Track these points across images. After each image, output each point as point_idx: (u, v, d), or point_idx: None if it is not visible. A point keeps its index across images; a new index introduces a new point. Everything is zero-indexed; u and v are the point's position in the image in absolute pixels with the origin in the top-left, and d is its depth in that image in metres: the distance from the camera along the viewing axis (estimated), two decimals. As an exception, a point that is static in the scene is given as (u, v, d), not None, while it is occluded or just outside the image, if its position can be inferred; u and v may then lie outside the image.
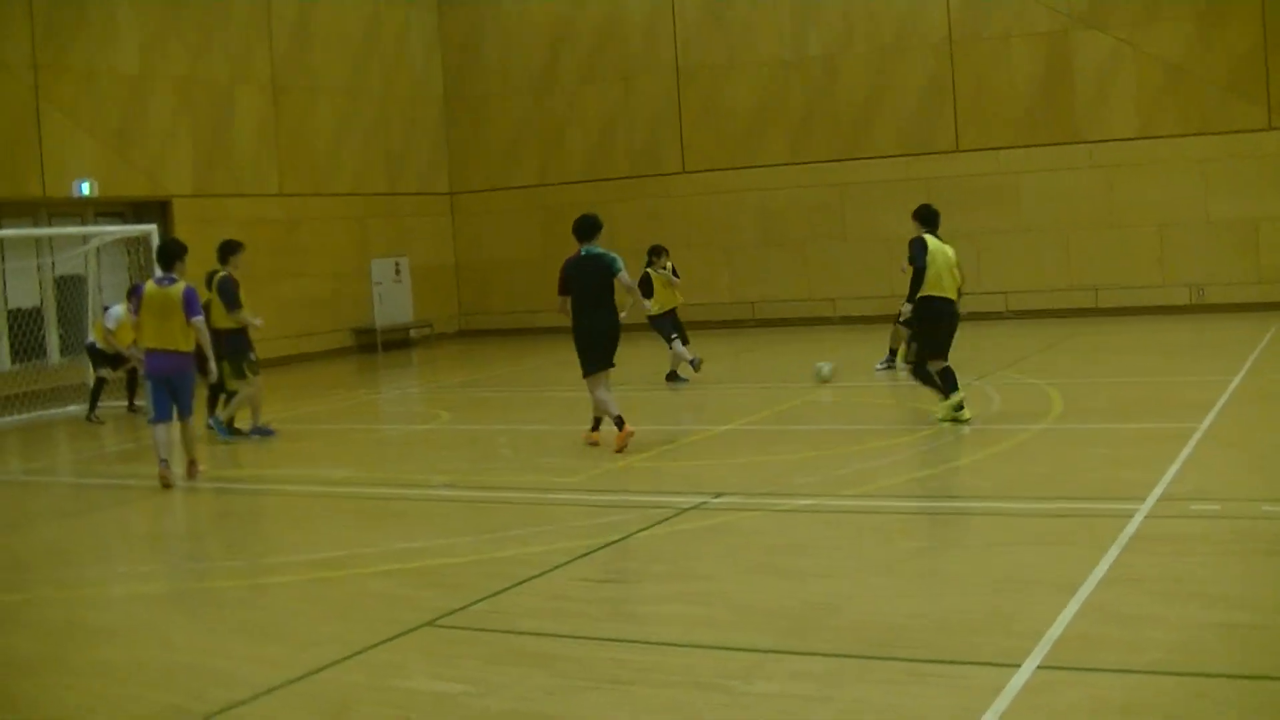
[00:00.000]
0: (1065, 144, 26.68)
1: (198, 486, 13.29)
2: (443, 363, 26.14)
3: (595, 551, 9.27)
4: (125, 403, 20.24)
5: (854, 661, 6.66)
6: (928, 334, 14.18)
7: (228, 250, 16.03)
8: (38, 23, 23.16)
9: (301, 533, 11.20)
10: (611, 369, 13.91)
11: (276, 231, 26.14)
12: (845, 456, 12.68)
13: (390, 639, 7.41)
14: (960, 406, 13.93)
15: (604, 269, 13.59)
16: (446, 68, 32.40)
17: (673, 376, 19.52)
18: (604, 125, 30.79)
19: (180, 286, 13.24)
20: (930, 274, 13.89)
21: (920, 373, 14.34)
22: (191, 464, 13.46)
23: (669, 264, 19.80)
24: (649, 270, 19.67)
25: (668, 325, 19.39)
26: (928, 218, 14.30)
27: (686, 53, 29.81)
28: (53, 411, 19.98)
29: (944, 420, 13.92)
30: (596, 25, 30.75)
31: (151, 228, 21.78)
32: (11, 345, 23.70)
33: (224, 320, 15.57)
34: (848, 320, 27.92)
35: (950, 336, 14.15)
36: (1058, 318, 26.08)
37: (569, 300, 13.64)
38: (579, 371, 13.81)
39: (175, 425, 13.38)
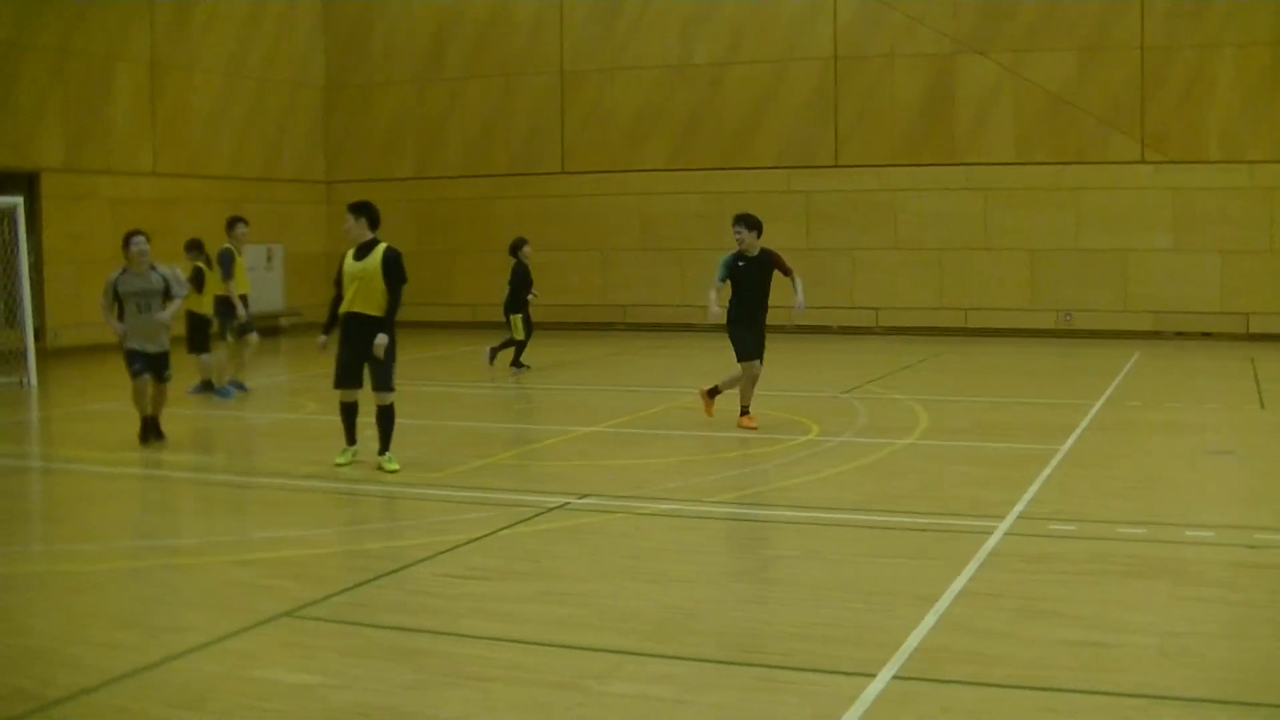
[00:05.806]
0: (944, 165, 27.15)
1: (62, 469, 13.06)
2: (310, 351, 25.70)
3: (458, 548, 9.23)
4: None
5: (713, 667, 6.72)
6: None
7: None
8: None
9: (160, 517, 11.06)
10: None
11: (147, 211, 25.46)
12: (712, 464, 12.79)
13: (249, 628, 7.32)
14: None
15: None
16: (329, 54, 32.02)
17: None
18: (484, 122, 30.67)
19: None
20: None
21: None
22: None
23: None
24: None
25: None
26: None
27: (573, 55, 29.82)
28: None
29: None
30: (481, 21, 30.64)
31: (17, 200, 21.04)
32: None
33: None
34: (719, 328, 27.75)
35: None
36: (928, 336, 26.48)
37: None
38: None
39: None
